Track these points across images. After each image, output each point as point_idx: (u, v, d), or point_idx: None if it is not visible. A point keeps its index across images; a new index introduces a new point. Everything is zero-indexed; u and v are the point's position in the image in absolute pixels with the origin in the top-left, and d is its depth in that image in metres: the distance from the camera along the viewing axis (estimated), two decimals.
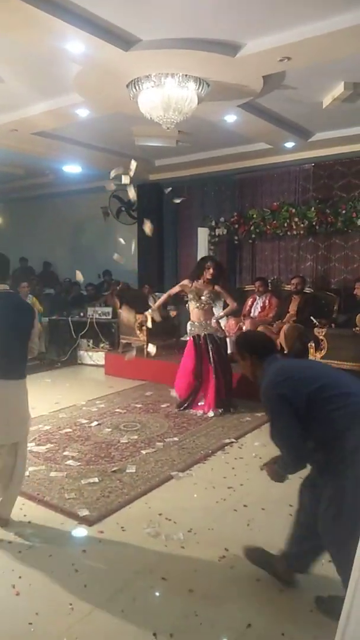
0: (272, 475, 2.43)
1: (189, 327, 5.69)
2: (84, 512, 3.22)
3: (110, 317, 8.02)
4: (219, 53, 4.07)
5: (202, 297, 5.52)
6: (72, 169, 8.32)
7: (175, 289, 5.79)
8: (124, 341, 7.55)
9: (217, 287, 5.52)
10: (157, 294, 8.51)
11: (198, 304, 5.54)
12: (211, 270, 5.47)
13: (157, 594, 2.50)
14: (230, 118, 5.79)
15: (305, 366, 2.67)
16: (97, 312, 8.13)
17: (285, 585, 2.48)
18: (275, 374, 2.30)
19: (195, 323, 5.60)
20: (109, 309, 8.13)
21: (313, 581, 2.51)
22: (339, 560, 2.13)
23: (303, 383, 2.22)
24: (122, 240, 7.61)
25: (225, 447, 4.43)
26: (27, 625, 2.25)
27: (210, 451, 4.31)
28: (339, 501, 2.09)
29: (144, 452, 4.27)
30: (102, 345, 7.99)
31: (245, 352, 2.47)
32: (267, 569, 2.54)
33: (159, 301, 5.80)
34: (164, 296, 5.91)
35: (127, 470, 3.88)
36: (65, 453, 4.24)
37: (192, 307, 5.60)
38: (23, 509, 3.29)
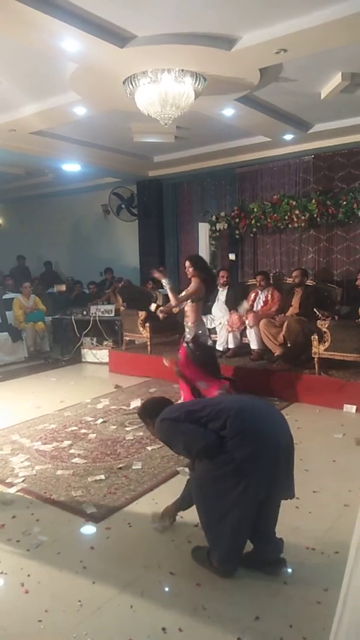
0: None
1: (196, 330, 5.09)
2: (91, 509, 3.24)
3: (112, 314, 8.04)
4: (215, 47, 4.06)
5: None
6: (72, 167, 8.33)
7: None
8: (127, 338, 7.56)
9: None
10: (160, 290, 8.55)
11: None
12: (186, 268, 5.13)
13: (166, 588, 2.51)
14: (228, 112, 5.77)
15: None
16: (100, 310, 8.14)
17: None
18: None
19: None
20: (112, 307, 8.14)
21: (320, 574, 2.52)
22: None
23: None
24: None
25: None
26: (36, 622, 2.26)
27: None
28: None
29: (149, 448, 4.28)
30: (105, 342, 8.01)
31: (147, 420, 2.77)
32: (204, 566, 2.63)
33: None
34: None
35: (133, 467, 3.90)
36: (72, 451, 4.26)
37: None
38: (30, 507, 3.31)
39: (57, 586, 2.53)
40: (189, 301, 5.05)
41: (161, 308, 5.57)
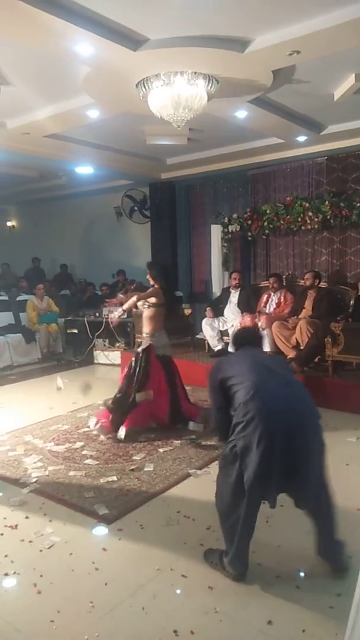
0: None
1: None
2: (103, 511, 3.25)
3: (125, 316, 8.04)
4: (228, 49, 4.06)
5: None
6: (85, 170, 8.37)
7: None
8: (139, 340, 7.57)
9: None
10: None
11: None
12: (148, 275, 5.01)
13: (178, 591, 2.51)
14: (241, 114, 5.76)
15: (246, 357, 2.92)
16: (112, 312, 8.15)
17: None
18: (229, 361, 2.88)
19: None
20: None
21: (333, 579, 2.50)
22: None
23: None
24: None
25: None
26: (49, 623, 2.28)
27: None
28: None
29: (161, 450, 4.29)
30: (117, 344, 8.03)
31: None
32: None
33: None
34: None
35: (145, 469, 3.90)
36: (84, 452, 4.28)
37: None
38: (43, 508, 3.33)
39: (69, 587, 2.54)
40: (146, 307, 4.88)
41: (112, 315, 5.31)
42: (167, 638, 2.17)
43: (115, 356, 7.83)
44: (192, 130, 6.31)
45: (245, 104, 5.43)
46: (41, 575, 2.62)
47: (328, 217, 7.06)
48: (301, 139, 6.82)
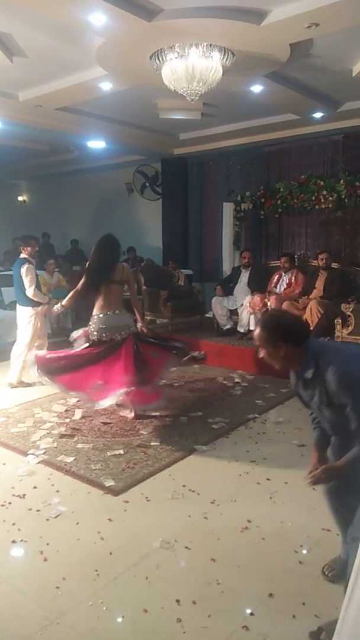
0: (341, 470, 2.04)
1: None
2: (110, 483, 3.30)
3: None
4: (244, 21, 3.97)
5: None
6: (96, 144, 8.29)
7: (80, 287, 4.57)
8: (148, 318, 7.60)
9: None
10: (182, 270, 8.54)
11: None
12: None
13: (181, 562, 2.56)
14: (257, 88, 5.65)
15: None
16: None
17: None
18: (350, 357, 2.05)
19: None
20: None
21: (335, 555, 2.53)
22: None
23: None
24: None
25: (249, 422, 4.45)
26: (54, 589, 2.33)
27: (233, 425, 4.34)
28: None
29: (168, 425, 4.32)
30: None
31: (278, 340, 2.04)
32: None
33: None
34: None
35: (152, 443, 3.95)
36: (92, 425, 4.33)
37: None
38: (51, 479, 3.39)
39: (75, 555, 2.59)
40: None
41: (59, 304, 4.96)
42: (170, 607, 2.22)
43: None
44: (206, 104, 6.21)
45: (261, 79, 5.33)
46: (47, 544, 2.68)
47: (343, 196, 6.97)
48: (317, 115, 6.70)
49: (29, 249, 5.48)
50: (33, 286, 5.39)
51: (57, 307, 5.00)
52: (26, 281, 5.34)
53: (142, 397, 4.29)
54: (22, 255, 5.49)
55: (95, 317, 4.37)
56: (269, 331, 2.05)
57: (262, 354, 2.12)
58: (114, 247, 4.46)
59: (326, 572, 2.39)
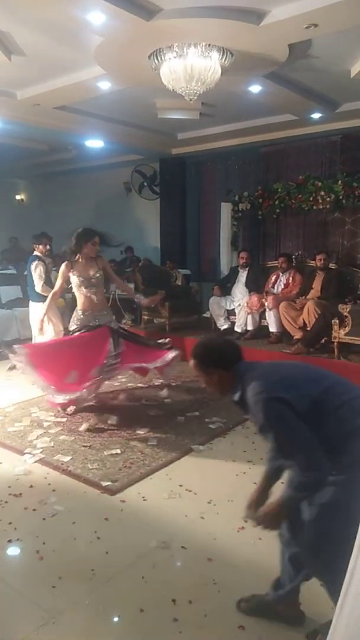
0: (278, 513, 1.92)
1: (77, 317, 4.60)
2: (107, 482, 3.30)
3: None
4: (243, 21, 3.96)
5: (93, 280, 4.53)
6: (95, 143, 8.28)
7: (60, 280, 4.64)
8: (146, 317, 7.60)
9: (104, 265, 4.69)
10: (179, 270, 8.54)
11: (89, 289, 4.51)
12: (98, 245, 4.55)
13: (177, 561, 2.56)
14: (255, 88, 5.65)
15: (293, 366, 2.26)
16: (120, 289, 8.16)
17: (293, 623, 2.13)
18: (266, 376, 1.94)
19: (87, 313, 4.55)
20: (132, 285, 8.15)
21: None
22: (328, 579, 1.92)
23: (305, 384, 1.90)
24: None
25: (246, 422, 4.44)
26: (51, 588, 2.33)
27: (230, 425, 4.34)
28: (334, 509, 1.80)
29: (165, 425, 4.32)
30: (124, 321, 8.03)
31: (209, 367, 2.02)
32: (268, 615, 2.15)
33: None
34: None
35: (149, 443, 3.95)
36: (89, 425, 4.32)
37: (81, 294, 4.55)
38: (48, 478, 3.39)
39: (71, 555, 2.59)
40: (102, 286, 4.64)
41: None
42: (166, 607, 2.22)
43: None
44: (204, 104, 6.21)
45: (260, 79, 5.33)
46: (44, 543, 2.68)
47: (340, 197, 6.96)
48: (315, 116, 6.70)
49: (40, 246, 5.72)
50: (42, 282, 5.62)
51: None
52: (35, 277, 5.56)
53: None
54: (35, 253, 5.75)
55: (78, 314, 4.56)
56: (198, 359, 2.04)
57: (202, 383, 2.09)
58: (88, 237, 4.55)
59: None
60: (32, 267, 5.60)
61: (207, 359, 2.02)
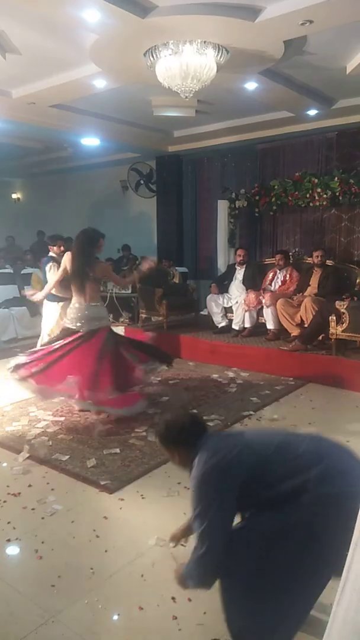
0: (178, 579, 1.95)
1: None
2: (105, 481, 3.30)
3: (129, 291, 8.05)
4: (238, 18, 3.96)
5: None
6: (91, 141, 8.27)
7: (60, 274, 4.81)
8: (143, 316, 7.59)
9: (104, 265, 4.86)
10: (176, 268, 8.53)
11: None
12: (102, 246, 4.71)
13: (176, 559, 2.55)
14: (251, 85, 5.65)
15: (253, 434, 2.08)
16: (117, 287, 8.15)
17: None
18: (214, 449, 1.82)
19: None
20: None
21: None
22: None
23: (252, 451, 1.82)
24: None
25: (244, 420, 4.46)
26: (50, 587, 2.33)
27: (228, 423, 4.34)
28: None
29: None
30: (121, 319, 8.04)
31: (169, 446, 1.98)
32: None
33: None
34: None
35: (147, 441, 3.94)
36: (87, 424, 4.33)
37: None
38: (46, 477, 3.38)
39: (70, 553, 2.59)
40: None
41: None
42: (165, 605, 2.22)
43: (119, 331, 7.83)
44: (200, 102, 6.20)
45: (255, 76, 5.32)
46: (43, 542, 2.68)
47: (337, 193, 6.97)
48: (312, 112, 6.70)
49: (55, 248, 5.81)
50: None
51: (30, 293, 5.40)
52: (49, 276, 5.61)
53: (119, 401, 4.25)
54: (50, 254, 5.83)
55: (73, 307, 4.52)
56: (160, 437, 2.02)
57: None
58: (94, 242, 4.60)
59: None
60: (47, 268, 5.70)
61: (168, 438, 1.98)
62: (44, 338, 5.66)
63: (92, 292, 4.51)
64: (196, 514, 1.77)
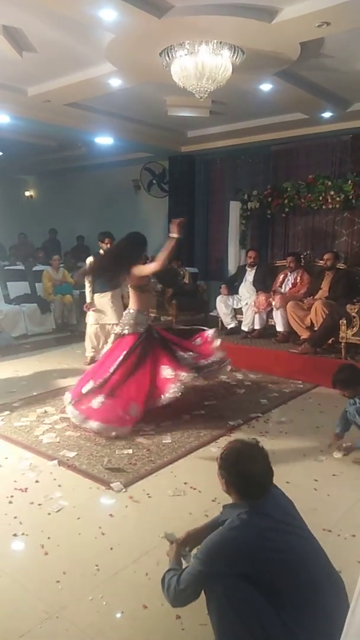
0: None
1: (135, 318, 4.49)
2: (112, 479, 3.30)
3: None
4: (255, 19, 3.96)
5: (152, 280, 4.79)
6: (104, 140, 8.30)
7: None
8: (153, 315, 7.60)
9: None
10: (187, 268, 8.54)
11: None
12: None
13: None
14: (266, 87, 5.64)
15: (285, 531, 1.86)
16: (127, 285, 8.17)
17: None
18: (247, 522, 1.76)
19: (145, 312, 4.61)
20: None
21: (335, 556, 2.52)
22: None
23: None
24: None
25: (251, 421, 4.44)
26: (55, 583, 2.34)
27: (236, 424, 4.34)
28: None
29: (170, 423, 4.32)
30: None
31: (226, 479, 1.91)
32: None
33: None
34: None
35: (154, 440, 3.95)
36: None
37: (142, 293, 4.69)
38: (53, 473, 3.40)
39: (75, 550, 2.60)
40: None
41: None
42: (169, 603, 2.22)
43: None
44: (214, 102, 6.20)
45: (271, 77, 5.31)
46: (49, 538, 2.69)
47: (350, 196, 6.94)
48: (326, 115, 6.68)
49: (103, 244, 6.02)
50: None
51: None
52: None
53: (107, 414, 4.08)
54: (100, 251, 6.06)
55: (131, 312, 4.54)
56: (225, 464, 1.91)
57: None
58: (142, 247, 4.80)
59: None
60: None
61: (232, 472, 1.88)
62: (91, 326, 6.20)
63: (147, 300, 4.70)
64: (197, 558, 1.79)
